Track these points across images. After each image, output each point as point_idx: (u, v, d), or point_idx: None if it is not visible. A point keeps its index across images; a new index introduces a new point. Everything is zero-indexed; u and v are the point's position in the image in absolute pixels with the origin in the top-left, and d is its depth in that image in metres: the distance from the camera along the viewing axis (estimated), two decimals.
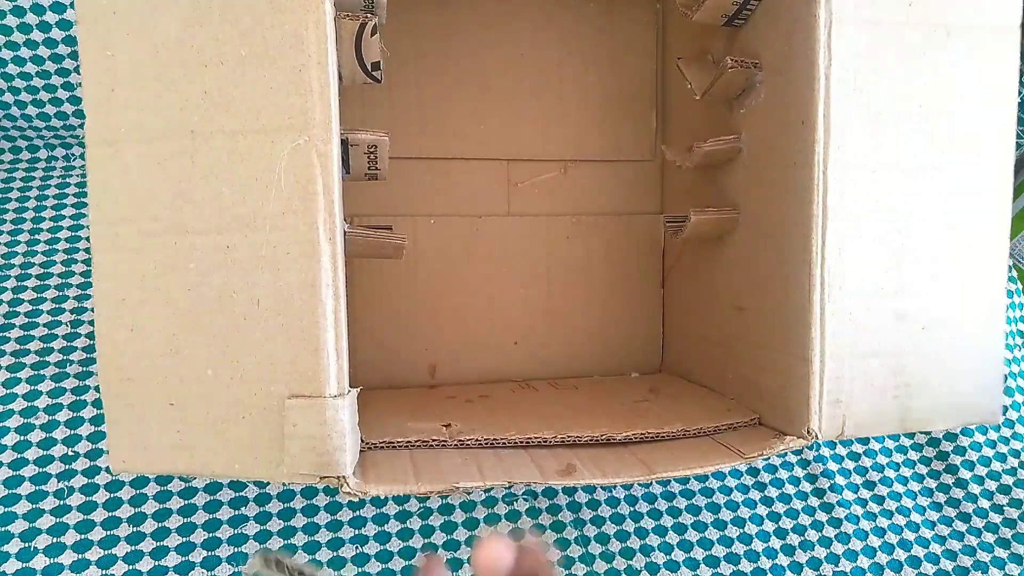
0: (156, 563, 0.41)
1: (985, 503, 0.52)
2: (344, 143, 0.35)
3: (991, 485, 0.53)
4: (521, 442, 0.40)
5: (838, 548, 0.48)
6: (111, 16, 0.31)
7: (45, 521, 0.41)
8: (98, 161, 0.32)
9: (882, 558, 0.48)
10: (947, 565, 0.49)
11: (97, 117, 0.32)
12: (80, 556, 0.40)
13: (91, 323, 0.48)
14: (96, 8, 0.31)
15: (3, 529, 0.40)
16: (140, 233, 0.32)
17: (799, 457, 0.53)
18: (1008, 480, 0.53)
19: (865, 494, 0.52)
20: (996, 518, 0.51)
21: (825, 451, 0.53)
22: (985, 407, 0.42)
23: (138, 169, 0.32)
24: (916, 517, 0.51)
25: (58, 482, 0.42)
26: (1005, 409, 0.55)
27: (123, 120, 0.32)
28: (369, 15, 0.34)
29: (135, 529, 0.41)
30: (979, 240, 0.41)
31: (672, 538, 0.47)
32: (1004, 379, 0.42)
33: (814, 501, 0.51)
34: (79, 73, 0.32)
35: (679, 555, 0.46)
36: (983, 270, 0.41)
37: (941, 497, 0.52)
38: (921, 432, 0.53)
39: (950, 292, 0.40)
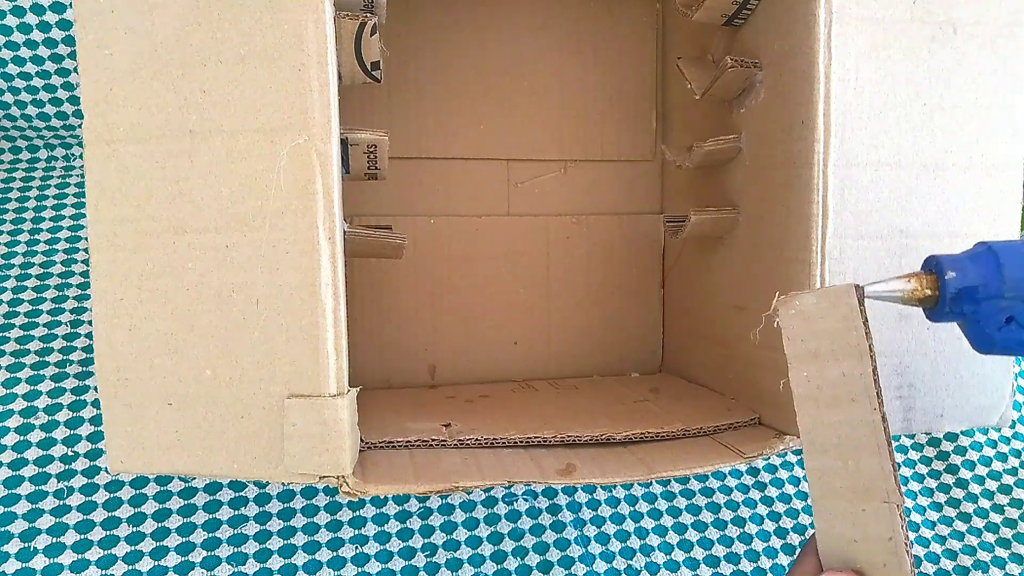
0: (156, 563, 0.41)
1: (985, 503, 0.52)
2: (344, 143, 0.36)
3: (991, 485, 0.53)
4: (521, 442, 0.40)
5: None
6: (109, 15, 0.31)
7: (45, 521, 0.41)
8: (96, 160, 0.32)
9: None
10: (947, 565, 0.49)
11: (95, 116, 0.32)
12: (80, 556, 0.40)
13: (91, 323, 0.48)
14: (93, 6, 0.31)
15: (3, 529, 0.40)
16: (138, 232, 0.32)
17: (799, 457, 0.53)
18: (1008, 480, 0.53)
19: None
20: (996, 518, 0.51)
21: None
22: (993, 410, 0.42)
23: (136, 168, 0.32)
24: (916, 517, 0.51)
25: (58, 482, 0.42)
26: (1019, 408, 0.55)
27: (121, 119, 0.32)
28: (369, 15, 0.34)
29: (135, 529, 0.41)
30: (986, 240, 0.40)
31: (672, 538, 0.47)
32: (1014, 382, 0.42)
33: None
34: (79, 73, 0.32)
35: (679, 555, 0.46)
36: None
37: (941, 497, 0.52)
38: (922, 432, 0.53)
39: None
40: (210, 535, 0.42)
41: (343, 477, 0.33)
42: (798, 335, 0.28)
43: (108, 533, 0.41)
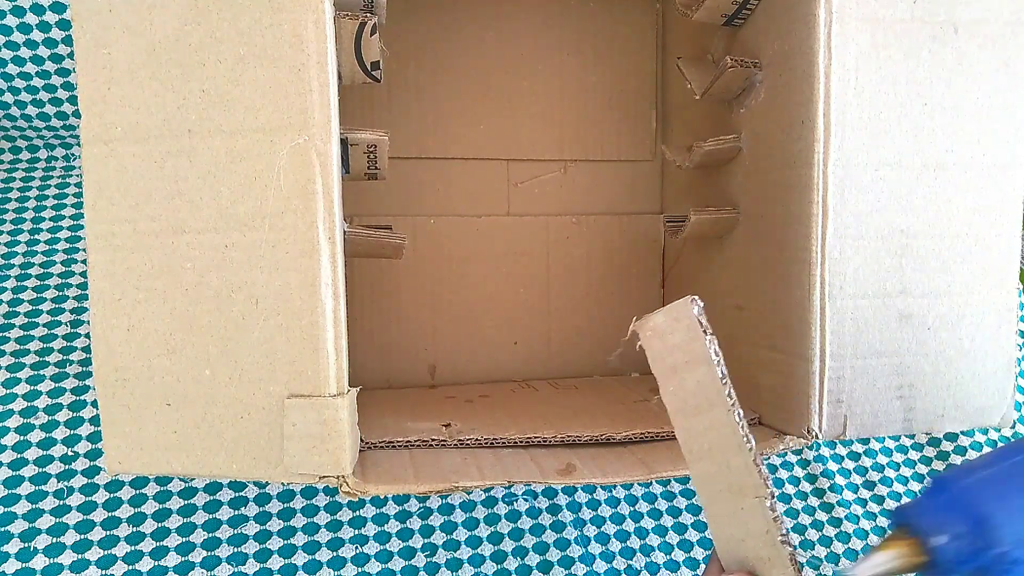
0: (156, 563, 0.41)
1: None
2: (344, 143, 0.35)
3: None
4: (521, 442, 0.40)
5: (838, 548, 0.48)
6: (107, 14, 0.31)
7: (45, 521, 0.41)
8: (94, 160, 0.32)
9: None
10: None
11: (93, 115, 0.32)
12: (80, 556, 0.40)
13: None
14: (91, 5, 0.31)
15: (3, 529, 0.40)
16: (137, 232, 0.32)
17: (799, 457, 0.53)
18: None
19: (865, 494, 0.51)
20: None
21: (825, 451, 0.53)
22: (995, 410, 0.42)
23: (135, 168, 0.32)
24: None
25: (58, 482, 0.42)
26: (1019, 408, 0.55)
27: (119, 119, 0.32)
28: (369, 15, 0.34)
29: (135, 529, 0.41)
30: (988, 240, 0.40)
31: (672, 538, 0.47)
32: (1015, 382, 0.42)
33: (814, 501, 0.50)
34: (77, 72, 0.32)
35: (679, 555, 0.46)
36: (993, 270, 0.41)
37: None
38: (923, 432, 0.53)
39: (957, 293, 0.40)
40: (210, 535, 0.42)
41: (343, 477, 0.32)
42: (658, 354, 0.29)
43: (108, 533, 0.41)
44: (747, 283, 0.45)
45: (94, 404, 0.45)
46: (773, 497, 0.27)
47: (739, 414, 0.27)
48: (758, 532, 0.27)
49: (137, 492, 0.43)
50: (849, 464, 0.53)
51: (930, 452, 0.54)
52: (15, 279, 0.50)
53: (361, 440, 0.37)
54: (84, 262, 0.51)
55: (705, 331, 0.27)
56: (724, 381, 0.27)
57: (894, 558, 0.25)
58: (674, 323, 0.28)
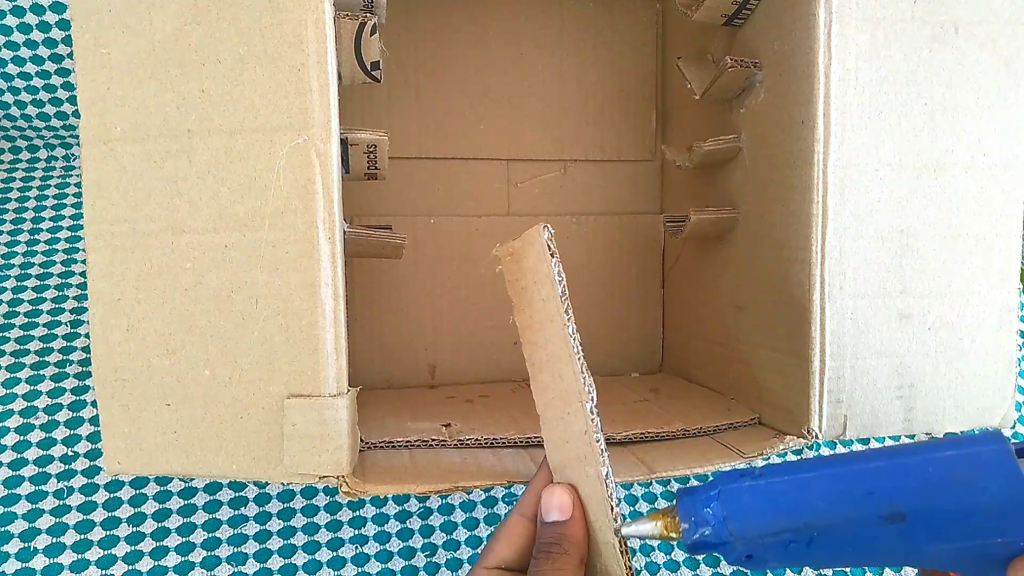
0: (156, 563, 0.41)
1: None
2: (344, 142, 0.35)
3: None
4: (521, 442, 0.40)
5: None
6: (106, 13, 0.31)
7: (45, 521, 0.41)
8: (93, 160, 0.32)
9: None
10: None
11: (92, 115, 0.32)
12: (80, 556, 0.40)
13: None
14: (91, 5, 0.31)
15: (3, 529, 0.40)
16: (136, 232, 0.32)
17: (799, 457, 0.53)
18: None
19: None
20: None
21: (825, 451, 0.53)
22: (995, 410, 0.42)
23: (134, 168, 0.32)
24: None
25: (58, 482, 0.42)
26: (1020, 408, 0.55)
27: (118, 118, 0.32)
28: (369, 15, 0.34)
29: (135, 529, 0.41)
30: (988, 240, 0.40)
31: None
32: (1016, 381, 0.42)
33: None
34: (76, 72, 0.32)
35: (679, 555, 0.46)
36: (993, 270, 0.41)
37: None
38: (923, 432, 0.53)
39: (957, 293, 0.40)
40: (210, 535, 0.42)
41: (343, 477, 0.33)
42: (513, 276, 0.32)
43: (108, 533, 0.41)
44: (747, 283, 0.45)
45: (94, 404, 0.45)
46: (593, 402, 0.30)
47: (572, 328, 0.30)
48: (578, 432, 0.30)
49: (137, 492, 0.43)
50: None
51: None
52: (15, 279, 0.50)
53: (361, 440, 0.37)
54: (84, 262, 0.51)
55: (552, 254, 0.30)
56: (564, 298, 0.30)
57: (657, 529, 0.30)
58: (528, 247, 0.31)
